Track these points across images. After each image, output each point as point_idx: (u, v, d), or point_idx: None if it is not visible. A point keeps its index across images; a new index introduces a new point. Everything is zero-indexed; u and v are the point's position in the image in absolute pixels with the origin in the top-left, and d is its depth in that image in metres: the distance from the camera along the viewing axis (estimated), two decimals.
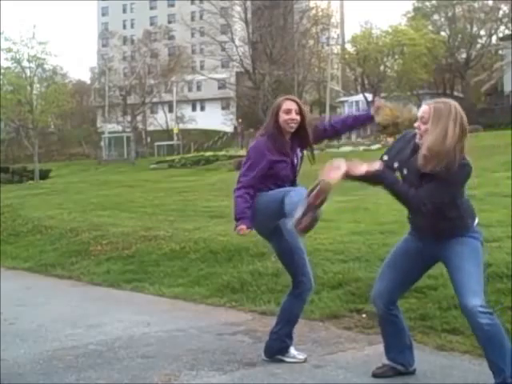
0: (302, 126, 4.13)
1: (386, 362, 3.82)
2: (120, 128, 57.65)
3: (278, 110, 4.11)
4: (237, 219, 3.97)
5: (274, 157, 4.03)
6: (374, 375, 3.80)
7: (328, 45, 56.87)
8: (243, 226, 3.92)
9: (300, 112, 4.12)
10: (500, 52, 54.34)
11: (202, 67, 64.85)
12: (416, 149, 3.43)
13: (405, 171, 3.49)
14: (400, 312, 3.80)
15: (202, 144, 59.75)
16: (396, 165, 3.52)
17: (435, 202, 3.35)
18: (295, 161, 4.16)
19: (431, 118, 3.35)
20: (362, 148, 33.94)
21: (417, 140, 3.44)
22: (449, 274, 3.56)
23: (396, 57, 56.76)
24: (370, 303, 3.86)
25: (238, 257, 7.14)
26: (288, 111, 4.08)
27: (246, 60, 52.34)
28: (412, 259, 3.63)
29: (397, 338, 3.75)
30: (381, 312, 3.75)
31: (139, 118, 58.97)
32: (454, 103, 3.42)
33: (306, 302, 4.28)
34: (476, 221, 3.55)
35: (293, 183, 4.14)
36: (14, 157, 56.32)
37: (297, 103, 4.13)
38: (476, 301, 3.32)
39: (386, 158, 3.56)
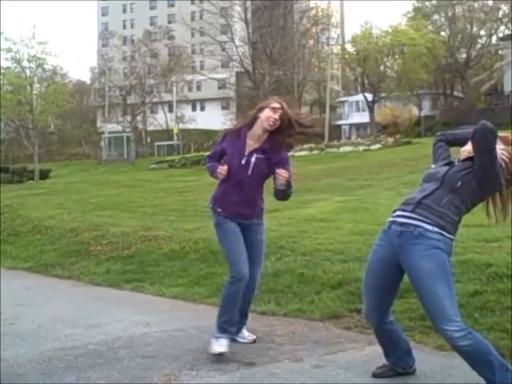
0: (279, 131, 4.26)
1: (386, 362, 3.83)
2: (120, 128, 57.71)
3: (266, 105, 4.30)
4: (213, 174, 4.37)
5: (228, 145, 4.35)
6: (374, 375, 3.81)
7: (328, 45, 56.88)
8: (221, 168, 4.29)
9: (283, 117, 4.24)
10: (500, 52, 54.36)
11: (202, 67, 64.89)
12: None
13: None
14: (394, 323, 3.77)
15: (202, 144, 59.71)
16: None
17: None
18: (246, 160, 4.28)
19: None
20: (362, 148, 33.98)
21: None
22: (417, 292, 3.50)
23: (396, 57, 56.77)
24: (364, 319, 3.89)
25: None
26: (274, 110, 4.23)
27: (246, 60, 52.42)
28: (381, 271, 3.58)
29: (394, 347, 3.76)
30: (375, 328, 3.76)
31: (139, 118, 59.02)
32: None
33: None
34: (452, 240, 3.46)
35: (243, 183, 4.28)
36: (13, 157, 56.37)
37: (284, 107, 4.25)
38: (451, 326, 3.28)
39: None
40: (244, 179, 4.28)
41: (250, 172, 4.27)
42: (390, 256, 3.52)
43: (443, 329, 3.33)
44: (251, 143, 4.30)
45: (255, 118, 4.31)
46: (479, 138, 3.40)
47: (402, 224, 3.49)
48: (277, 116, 4.22)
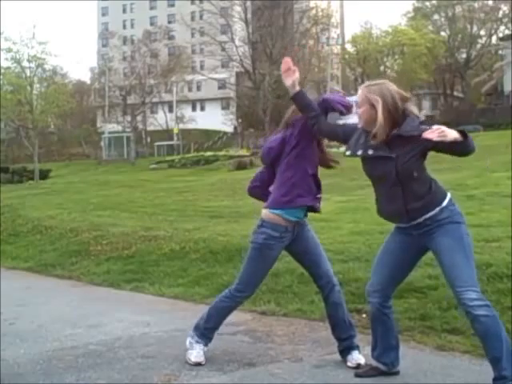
0: None
1: (370, 361, 3.85)
2: (120, 128, 57.70)
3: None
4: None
5: None
6: (357, 375, 3.82)
7: (328, 45, 56.91)
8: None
9: None
10: (500, 52, 54.38)
11: (201, 67, 64.91)
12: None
13: (370, 152, 3.54)
14: (392, 312, 3.79)
15: (202, 144, 59.80)
16: (359, 152, 3.58)
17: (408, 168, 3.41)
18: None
19: (362, 101, 3.55)
20: None
21: (359, 125, 3.61)
22: (441, 269, 3.55)
23: (396, 57, 56.79)
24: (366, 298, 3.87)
25: (237, 257, 7.12)
26: None
27: (246, 60, 52.38)
28: (400, 252, 3.63)
29: (384, 337, 3.75)
30: (374, 309, 3.75)
31: (139, 118, 59.01)
32: (384, 83, 3.55)
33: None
34: (448, 197, 3.52)
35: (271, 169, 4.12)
36: (14, 157, 56.34)
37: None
38: (471, 294, 3.33)
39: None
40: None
41: None
42: (406, 238, 3.58)
43: (463, 298, 3.35)
44: None
45: None
46: None
47: (411, 227, 3.55)
48: None
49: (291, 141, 3.98)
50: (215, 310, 4.21)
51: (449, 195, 3.55)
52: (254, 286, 4.16)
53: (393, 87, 3.52)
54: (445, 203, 3.50)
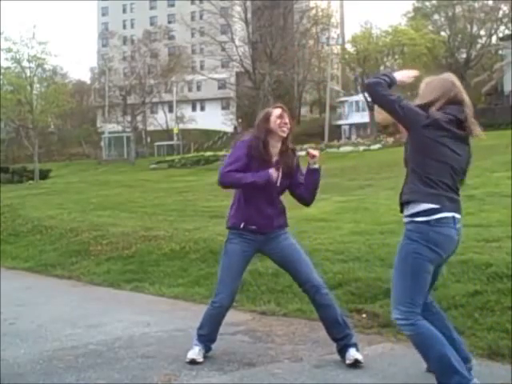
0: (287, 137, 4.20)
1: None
2: (120, 128, 57.67)
3: (269, 115, 4.17)
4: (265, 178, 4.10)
5: (254, 157, 4.12)
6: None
7: (328, 45, 56.88)
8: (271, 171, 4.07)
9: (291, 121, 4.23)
10: (500, 52, 54.35)
11: (201, 67, 64.92)
12: None
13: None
14: (435, 313, 3.66)
15: (202, 144, 59.80)
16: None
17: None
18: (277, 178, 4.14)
19: None
20: (362, 148, 34.00)
21: None
22: None
23: (396, 57, 56.75)
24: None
25: None
26: (281, 116, 4.15)
27: (246, 60, 52.43)
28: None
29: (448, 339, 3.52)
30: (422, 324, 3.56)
31: (139, 118, 58.96)
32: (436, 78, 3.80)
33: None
34: (428, 206, 3.32)
35: (273, 203, 4.20)
36: (14, 157, 56.36)
37: (287, 112, 4.21)
38: (395, 313, 3.39)
39: None
40: (274, 190, 4.18)
41: (278, 182, 4.14)
42: None
43: (392, 313, 3.45)
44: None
45: (267, 131, 4.13)
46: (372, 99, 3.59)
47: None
48: (286, 120, 4.16)
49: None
50: (204, 317, 4.30)
51: (438, 215, 3.31)
52: (227, 289, 4.17)
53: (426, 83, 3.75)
54: (419, 216, 3.34)
